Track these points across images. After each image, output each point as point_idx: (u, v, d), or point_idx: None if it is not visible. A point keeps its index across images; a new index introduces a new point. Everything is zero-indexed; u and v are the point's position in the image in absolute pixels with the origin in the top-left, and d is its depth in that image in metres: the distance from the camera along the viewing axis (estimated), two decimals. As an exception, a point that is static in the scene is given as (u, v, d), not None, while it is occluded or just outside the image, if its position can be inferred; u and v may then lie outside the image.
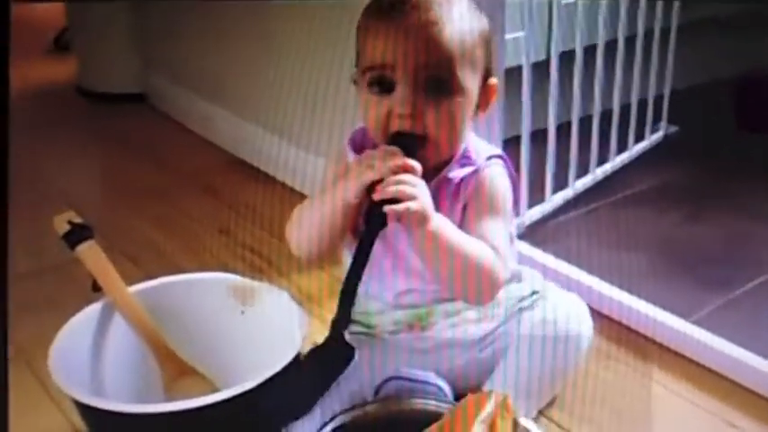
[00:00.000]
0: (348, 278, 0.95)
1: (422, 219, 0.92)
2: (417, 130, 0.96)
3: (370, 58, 0.97)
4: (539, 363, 1.05)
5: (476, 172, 1.02)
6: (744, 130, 2.04)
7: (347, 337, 0.95)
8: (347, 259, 1.10)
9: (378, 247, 0.97)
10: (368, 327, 1.10)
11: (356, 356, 0.96)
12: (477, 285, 0.96)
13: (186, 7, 2.14)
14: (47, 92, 2.57)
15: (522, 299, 1.09)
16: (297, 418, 0.99)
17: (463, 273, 0.95)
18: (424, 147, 0.97)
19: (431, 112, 0.96)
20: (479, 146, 1.05)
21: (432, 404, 0.97)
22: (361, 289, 1.05)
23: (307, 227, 1.02)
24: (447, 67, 0.95)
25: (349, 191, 0.95)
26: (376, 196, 0.92)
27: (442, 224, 0.95)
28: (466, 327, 1.08)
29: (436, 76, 0.95)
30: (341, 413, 0.95)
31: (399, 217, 0.91)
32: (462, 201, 1.01)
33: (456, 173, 1.02)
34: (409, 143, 0.96)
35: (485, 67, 1.01)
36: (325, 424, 0.94)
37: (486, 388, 1.04)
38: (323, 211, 0.99)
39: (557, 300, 1.10)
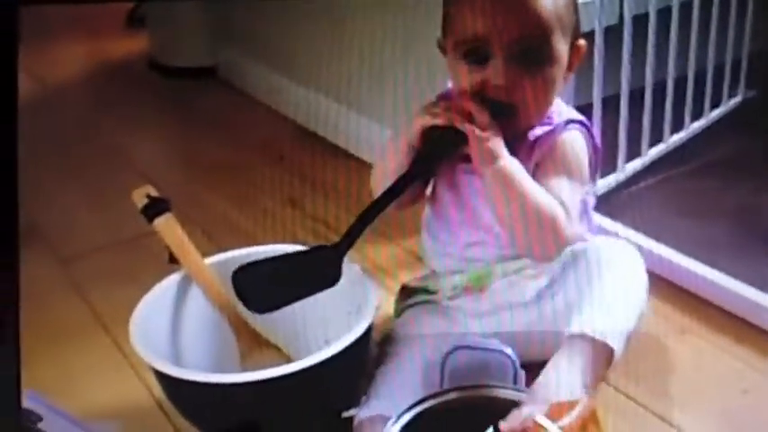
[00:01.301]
0: (380, 198, 0.97)
1: (492, 154, 0.93)
2: (512, 100, 0.96)
3: (464, 31, 0.96)
4: (606, 289, 1.02)
5: (552, 132, 1.01)
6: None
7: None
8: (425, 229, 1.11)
9: (448, 196, 1.00)
10: (429, 293, 1.11)
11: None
12: (541, 236, 0.96)
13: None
14: (121, 68, 2.61)
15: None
16: (256, 311, 0.98)
17: (529, 219, 0.95)
18: (515, 114, 0.97)
19: (526, 82, 0.96)
20: (562, 108, 1.05)
21: (509, 393, 0.96)
22: (428, 243, 1.09)
23: (381, 173, 1.04)
24: (542, 38, 0.95)
25: (411, 133, 0.97)
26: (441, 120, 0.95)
27: (514, 166, 0.95)
28: (523, 285, 1.07)
29: (531, 48, 0.95)
30: (417, 403, 0.95)
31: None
32: (535, 159, 1.01)
33: (534, 131, 1.01)
34: (499, 111, 0.96)
35: (574, 30, 1.00)
36: (403, 413, 0.94)
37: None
38: (395, 157, 1.00)
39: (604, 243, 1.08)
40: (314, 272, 0.99)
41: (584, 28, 1.44)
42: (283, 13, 2.06)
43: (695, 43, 1.69)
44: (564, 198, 0.98)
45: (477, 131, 0.94)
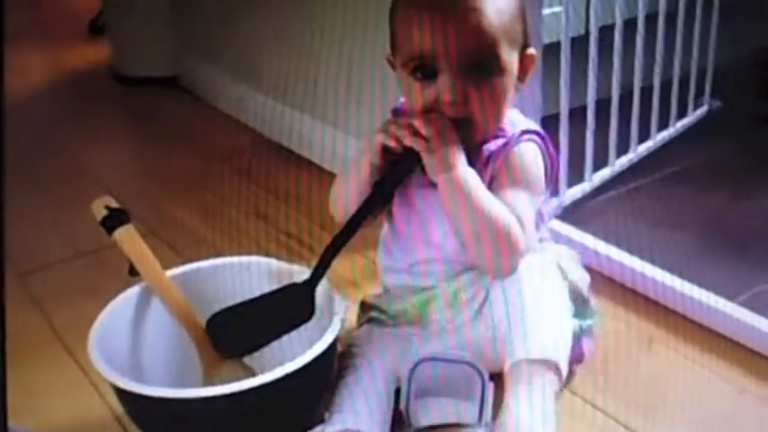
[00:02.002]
0: (345, 227, 1.00)
1: (443, 164, 0.95)
2: (463, 114, 0.97)
3: (411, 48, 0.97)
4: (533, 312, 0.99)
5: (506, 144, 1.02)
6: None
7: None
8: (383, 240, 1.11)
9: (402, 211, 1.02)
10: (381, 311, 1.11)
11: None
12: (495, 247, 0.96)
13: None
14: (82, 76, 2.58)
15: None
16: (240, 355, 1.01)
17: (484, 230, 0.95)
18: (468, 128, 0.98)
19: (475, 95, 0.97)
20: (516, 119, 1.05)
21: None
22: (382, 259, 1.11)
23: (342, 192, 1.06)
24: (488, 51, 0.96)
25: (371, 152, 0.99)
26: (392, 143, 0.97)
27: (468, 177, 0.96)
28: (461, 308, 1.06)
29: (479, 62, 0.96)
30: None
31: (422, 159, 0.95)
32: (490, 171, 1.01)
33: (488, 145, 1.02)
34: (455, 124, 0.98)
35: (523, 39, 1.01)
36: None
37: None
38: (356, 177, 1.02)
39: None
40: (288, 310, 1.02)
41: (551, 39, 1.45)
42: (247, 21, 2.05)
43: (661, 54, 1.70)
44: (519, 209, 0.98)
45: (426, 145, 0.95)
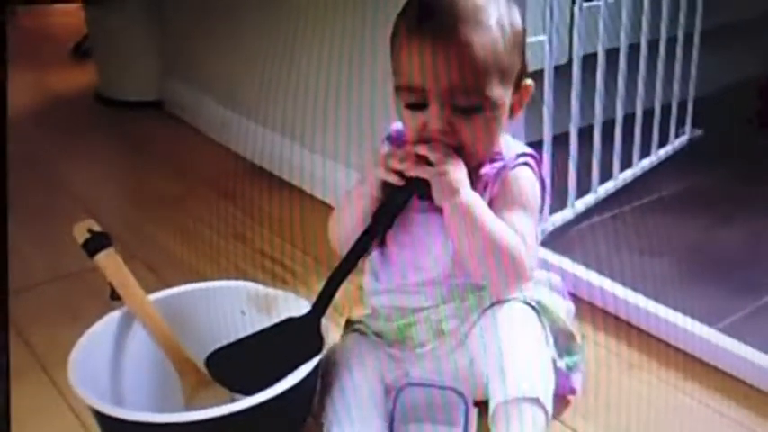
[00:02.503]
0: (346, 258, 0.99)
1: (452, 187, 0.95)
2: (452, 142, 0.97)
3: (403, 77, 0.98)
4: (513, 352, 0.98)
5: (504, 168, 1.02)
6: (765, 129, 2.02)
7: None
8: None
9: (395, 237, 1.02)
10: (367, 327, 1.11)
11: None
12: (503, 268, 0.96)
13: (203, 15, 2.14)
14: (66, 100, 2.58)
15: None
16: (248, 394, 0.95)
17: (492, 252, 0.96)
18: (461, 154, 0.98)
19: (464, 127, 0.97)
20: (510, 143, 1.06)
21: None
22: (370, 283, 1.10)
23: (339, 223, 1.06)
24: (477, 88, 0.95)
25: (369, 185, 0.99)
26: (400, 167, 0.96)
27: (474, 200, 0.96)
28: (443, 337, 1.06)
29: (467, 98, 0.96)
30: None
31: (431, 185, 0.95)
32: (488, 195, 1.01)
33: (484, 169, 1.02)
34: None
35: (519, 70, 1.01)
36: None
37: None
38: (352, 206, 1.02)
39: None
40: (294, 344, 0.99)
41: (534, 67, 1.46)
42: (230, 47, 2.06)
43: (643, 83, 1.72)
44: (522, 230, 0.98)
45: (434, 170, 0.95)
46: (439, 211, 0.98)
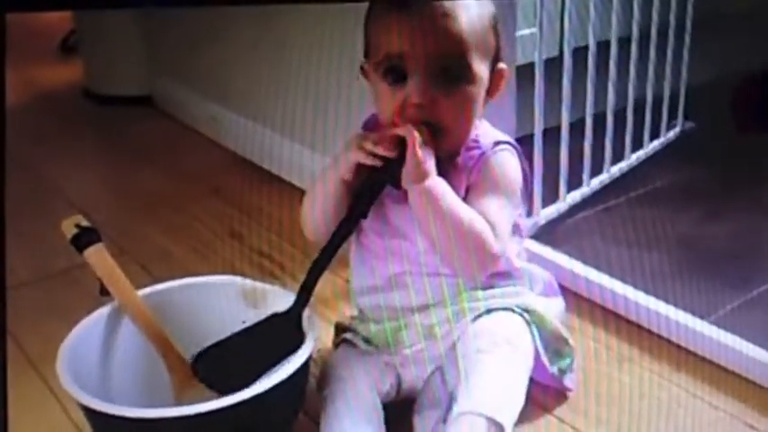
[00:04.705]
0: (324, 249, 0.99)
1: (421, 173, 0.94)
2: (431, 119, 0.97)
3: (383, 49, 0.97)
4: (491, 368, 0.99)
5: (483, 155, 1.02)
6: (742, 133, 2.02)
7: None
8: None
9: (375, 226, 1.02)
10: (356, 334, 1.11)
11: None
12: (468, 253, 0.96)
13: (192, 10, 2.13)
14: (53, 95, 2.56)
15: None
16: (230, 393, 0.95)
17: (457, 236, 0.96)
18: (437, 136, 0.97)
19: (444, 101, 0.97)
20: (488, 131, 1.05)
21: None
22: (353, 279, 1.10)
23: (312, 209, 1.05)
24: (460, 57, 0.96)
25: (344, 169, 0.98)
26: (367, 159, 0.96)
27: (441, 186, 0.96)
28: (433, 343, 1.06)
29: (449, 67, 0.96)
30: None
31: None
32: (465, 182, 1.01)
33: (463, 155, 1.02)
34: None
35: (495, 53, 1.01)
36: None
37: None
38: (325, 191, 1.02)
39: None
40: (276, 340, 1.00)
41: (525, 60, 1.46)
42: (218, 42, 2.05)
43: (634, 75, 1.71)
44: (493, 217, 0.98)
45: (417, 152, 0.94)
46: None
